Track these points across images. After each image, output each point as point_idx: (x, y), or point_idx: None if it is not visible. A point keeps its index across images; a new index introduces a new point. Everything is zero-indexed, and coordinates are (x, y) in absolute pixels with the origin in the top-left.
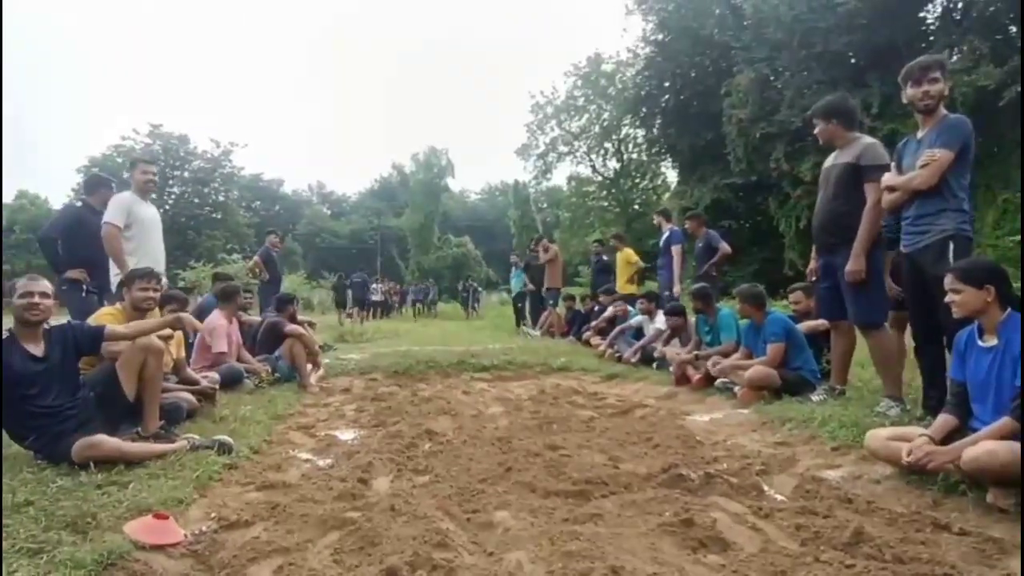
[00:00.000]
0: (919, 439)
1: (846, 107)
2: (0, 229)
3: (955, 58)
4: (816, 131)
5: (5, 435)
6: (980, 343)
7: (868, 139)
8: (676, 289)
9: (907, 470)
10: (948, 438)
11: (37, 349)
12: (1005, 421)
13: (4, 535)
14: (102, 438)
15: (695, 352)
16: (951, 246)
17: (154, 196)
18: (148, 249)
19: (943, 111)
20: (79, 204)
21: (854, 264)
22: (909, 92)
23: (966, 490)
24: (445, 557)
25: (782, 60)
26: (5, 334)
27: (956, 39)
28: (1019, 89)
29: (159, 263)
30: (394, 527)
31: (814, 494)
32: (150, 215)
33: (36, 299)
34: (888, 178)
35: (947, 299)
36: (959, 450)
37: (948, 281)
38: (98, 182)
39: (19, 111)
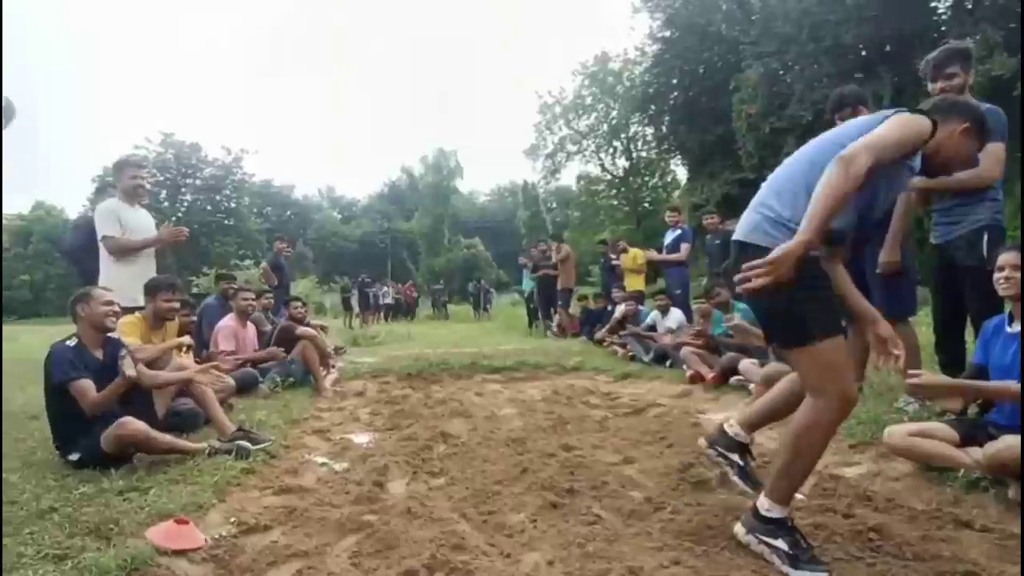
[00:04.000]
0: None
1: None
2: (0, 244)
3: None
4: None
5: None
6: (1008, 329)
7: None
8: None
9: (929, 468)
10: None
11: (99, 354)
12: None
13: (31, 542)
14: (128, 419)
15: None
16: (985, 236)
17: (166, 204)
18: (139, 256)
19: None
20: (91, 214)
21: (890, 255)
22: (929, 87)
23: (988, 486)
24: (462, 559)
25: (791, 54)
26: (71, 341)
27: (969, 28)
28: None
29: (151, 270)
30: (411, 530)
31: (832, 492)
32: (140, 220)
33: (115, 307)
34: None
35: (997, 276)
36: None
37: (1003, 259)
38: (104, 189)
39: (35, 122)
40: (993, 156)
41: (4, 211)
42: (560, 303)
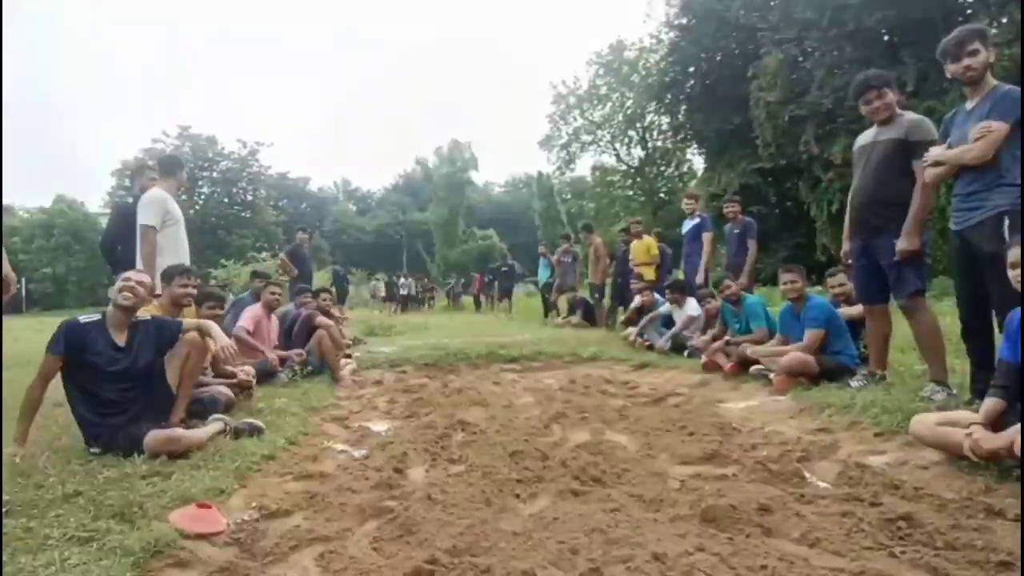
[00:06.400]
0: (975, 427)
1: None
2: (0, 234)
3: (995, 30)
4: (879, 104)
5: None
6: None
7: (914, 115)
8: (700, 278)
9: (958, 457)
10: (998, 421)
11: (120, 338)
12: None
13: (57, 524)
14: (181, 432)
15: (725, 339)
16: (1006, 222)
17: (184, 197)
18: (179, 245)
19: (992, 81)
20: (130, 200)
21: (909, 243)
22: (950, 68)
23: (1021, 475)
24: (483, 545)
25: (811, 40)
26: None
27: (995, 11)
28: None
29: (186, 258)
30: (431, 516)
31: (858, 480)
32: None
33: (132, 283)
34: (936, 152)
35: (1011, 274)
36: (1013, 435)
37: (1013, 256)
38: (141, 170)
39: (56, 118)
40: (992, 136)
41: (27, 205)
42: (597, 295)
